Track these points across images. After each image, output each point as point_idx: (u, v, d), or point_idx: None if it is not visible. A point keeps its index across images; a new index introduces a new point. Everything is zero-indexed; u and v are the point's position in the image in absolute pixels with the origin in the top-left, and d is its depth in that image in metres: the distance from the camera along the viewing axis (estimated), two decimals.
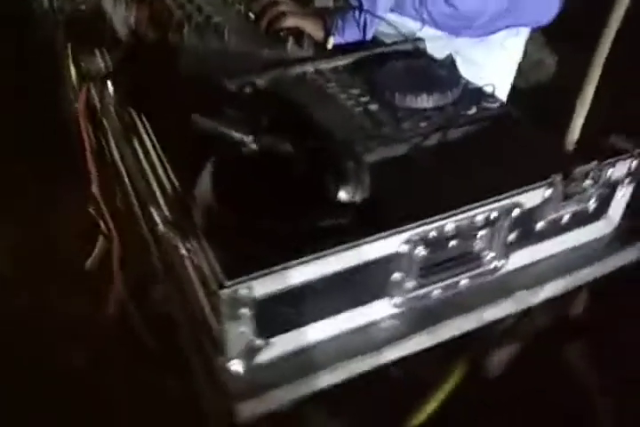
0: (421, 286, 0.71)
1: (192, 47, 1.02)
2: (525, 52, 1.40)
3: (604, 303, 0.96)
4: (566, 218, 0.77)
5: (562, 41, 1.70)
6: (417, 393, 0.92)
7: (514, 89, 1.37)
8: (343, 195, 0.67)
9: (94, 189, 1.15)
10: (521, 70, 1.40)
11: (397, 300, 0.70)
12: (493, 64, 1.30)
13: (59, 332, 1.50)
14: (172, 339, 0.77)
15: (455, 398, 0.91)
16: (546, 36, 1.76)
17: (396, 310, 0.70)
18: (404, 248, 0.66)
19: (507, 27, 1.25)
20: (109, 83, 0.96)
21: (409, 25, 1.17)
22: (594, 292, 0.87)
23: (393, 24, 1.08)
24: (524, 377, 1.02)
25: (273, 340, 0.63)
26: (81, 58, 1.06)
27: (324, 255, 0.61)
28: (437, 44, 1.06)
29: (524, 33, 1.31)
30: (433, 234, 0.67)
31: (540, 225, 0.75)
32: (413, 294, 0.70)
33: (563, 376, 1.14)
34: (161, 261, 0.82)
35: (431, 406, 0.90)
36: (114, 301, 1.25)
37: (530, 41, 1.40)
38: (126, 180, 1.01)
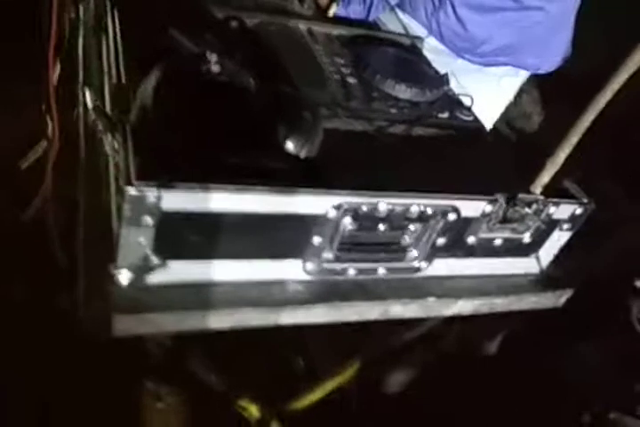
0: (338, 260, 0.69)
1: None
2: (517, 100, 1.44)
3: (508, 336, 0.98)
4: (498, 242, 0.77)
5: (553, 100, 1.77)
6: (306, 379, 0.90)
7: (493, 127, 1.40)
8: (290, 145, 0.66)
9: (51, 82, 1.09)
10: (507, 115, 1.43)
11: (310, 266, 0.68)
12: (484, 97, 1.32)
13: None
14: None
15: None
16: (541, 92, 1.83)
17: (305, 276, 0.68)
18: (333, 213, 0.64)
19: (507, 64, 1.27)
20: None
21: (415, 29, 1.18)
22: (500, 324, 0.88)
23: (399, 19, 1.08)
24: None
25: (170, 263, 0.60)
26: None
27: (247, 190, 0.59)
28: (436, 59, 1.07)
29: (523, 76, 1.34)
30: (364, 209, 0.66)
31: (470, 240, 0.75)
32: (328, 265, 0.69)
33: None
34: (85, 156, 0.78)
35: (316, 395, 0.89)
36: (38, 202, 1.19)
37: (524, 93, 1.44)
38: (81, 73, 0.96)
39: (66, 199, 1.30)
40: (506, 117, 1.45)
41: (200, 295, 0.62)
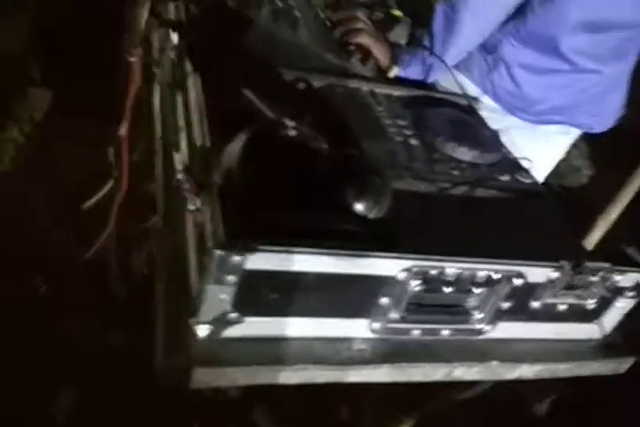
0: (403, 320, 0.70)
1: (264, 27, 1.04)
2: (566, 154, 1.45)
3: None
4: (562, 307, 0.77)
5: (604, 158, 1.78)
6: None
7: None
8: (360, 207, 0.69)
9: (122, 131, 1.16)
10: (557, 168, 1.44)
11: (376, 325, 0.69)
12: (535, 153, 1.34)
13: (31, 260, 1.48)
14: (143, 292, 0.76)
15: None
16: (590, 148, 1.84)
17: (371, 335, 0.70)
18: (401, 276, 0.66)
19: (561, 123, 1.29)
20: (176, 34, 0.98)
21: (470, 88, 1.21)
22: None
23: (456, 79, 1.12)
24: None
25: (248, 318, 0.62)
26: (157, 4, 1.09)
27: (323, 252, 0.62)
28: (490, 117, 1.10)
29: (575, 134, 1.36)
30: (432, 272, 0.67)
31: (535, 304, 0.76)
32: (393, 325, 0.70)
33: None
34: (163, 212, 0.82)
35: None
36: (101, 244, 1.25)
37: (573, 147, 1.46)
38: (158, 129, 1.02)
39: (128, 240, 1.36)
40: (555, 171, 1.46)
41: (272, 351, 0.64)
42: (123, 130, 1.22)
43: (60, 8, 1.91)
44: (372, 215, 0.70)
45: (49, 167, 1.69)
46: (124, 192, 1.28)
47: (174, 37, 0.91)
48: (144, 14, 1.03)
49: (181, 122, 0.85)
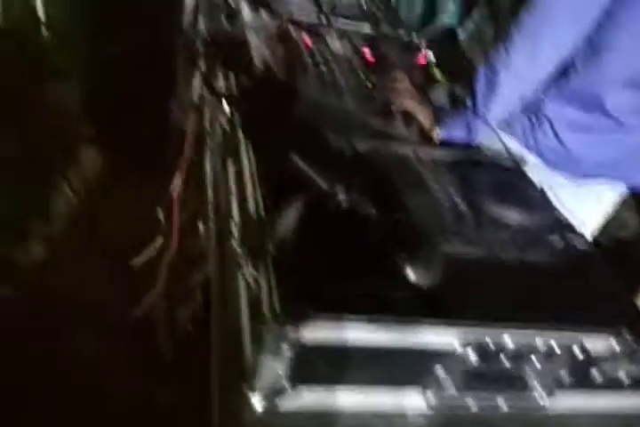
0: (459, 393, 0.68)
1: (309, 94, 1.08)
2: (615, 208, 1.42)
3: None
4: (623, 377, 0.74)
5: None
6: None
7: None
8: (412, 274, 0.69)
9: (173, 191, 1.21)
10: (605, 223, 1.41)
11: (432, 398, 0.68)
12: (584, 211, 1.32)
13: (79, 316, 1.51)
14: (189, 357, 0.77)
15: None
16: (637, 201, 1.81)
17: (427, 408, 0.68)
18: (457, 346, 0.65)
19: (607, 180, 1.28)
20: (227, 104, 1.03)
21: (513, 147, 1.22)
22: None
23: (500, 140, 1.13)
24: None
25: (302, 390, 0.62)
26: (209, 75, 1.15)
27: (379, 324, 0.62)
28: (535, 175, 1.10)
29: (622, 190, 1.34)
30: (489, 343, 0.66)
31: (595, 374, 0.73)
32: (449, 398, 0.68)
33: None
34: (216, 280, 0.84)
35: None
36: (148, 303, 1.27)
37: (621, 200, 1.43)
38: (209, 195, 1.05)
39: (177, 299, 1.38)
40: (603, 226, 1.43)
41: (326, 423, 0.63)
42: (173, 190, 1.27)
43: (114, 70, 2.03)
44: (424, 282, 0.70)
45: (99, 225, 1.75)
46: (174, 251, 1.31)
47: (225, 107, 0.96)
48: (195, 83, 1.09)
49: (233, 189, 0.88)
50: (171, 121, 1.54)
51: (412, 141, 1.04)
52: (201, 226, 1.26)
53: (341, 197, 0.75)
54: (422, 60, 1.37)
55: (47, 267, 1.66)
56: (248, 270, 0.69)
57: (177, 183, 1.27)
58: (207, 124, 1.10)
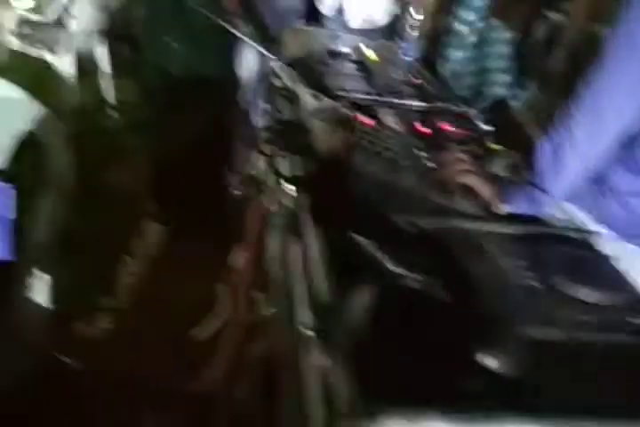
0: None
1: (371, 174, 1.09)
2: None
3: None
4: None
5: None
6: None
7: None
8: (488, 361, 0.66)
9: (234, 262, 1.23)
10: None
11: None
12: None
13: (137, 388, 1.51)
14: None
15: None
16: None
17: None
18: None
19: None
20: (292, 185, 1.06)
21: (581, 219, 1.18)
22: None
23: (566, 212, 1.10)
24: None
25: None
26: (273, 157, 1.19)
27: (456, 419, 0.59)
28: (606, 246, 1.06)
29: None
30: None
31: None
32: None
33: None
34: (282, 363, 0.83)
35: None
36: (207, 376, 1.26)
37: None
38: (272, 274, 1.06)
39: (236, 374, 1.37)
40: None
41: None
42: (234, 263, 1.30)
43: (178, 150, 2.15)
44: (501, 370, 0.67)
45: (160, 296, 1.79)
46: (234, 323, 1.32)
47: (290, 188, 0.98)
48: (260, 165, 1.14)
49: (298, 269, 0.89)
50: (232, 198, 1.60)
51: (475, 216, 1.03)
52: (263, 302, 1.27)
53: (410, 278, 0.74)
54: (476, 132, 1.39)
55: (108, 338, 1.69)
56: (318, 357, 0.67)
57: (239, 257, 1.29)
58: (271, 204, 1.13)
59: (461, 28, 1.71)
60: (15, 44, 2.62)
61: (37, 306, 1.17)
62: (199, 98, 2.03)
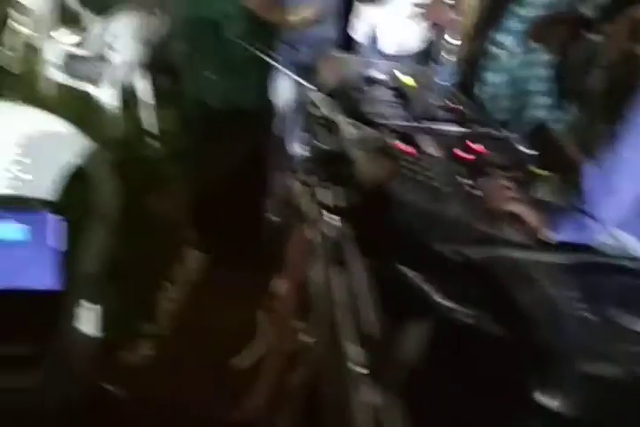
0: None
1: (415, 204, 1.08)
2: None
3: None
4: None
5: None
6: None
7: None
8: (545, 399, 0.64)
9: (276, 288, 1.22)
10: None
11: None
12: None
13: (178, 416, 1.50)
14: None
15: None
16: None
17: None
18: None
19: None
20: (335, 216, 1.05)
21: (633, 246, 1.14)
22: None
23: (617, 239, 1.07)
24: None
25: None
26: (316, 189, 1.20)
27: None
28: None
29: None
30: None
31: None
32: None
33: None
34: (328, 399, 0.81)
35: None
36: (249, 406, 1.25)
37: None
38: (315, 304, 1.05)
39: (277, 404, 1.36)
40: None
41: None
42: (275, 289, 1.29)
43: (217, 178, 2.18)
44: (558, 408, 0.65)
45: (200, 323, 1.80)
46: (275, 351, 1.31)
47: (333, 218, 0.98)
48: (302, 195, 1.14)
49: (343, 301, 0.88)
50: (270, 226, 1.61)
51: (523, 245, 1.01)
52: (304, 331, 1.26)
53: (459, 311, 0.72)
54: (518, 156, 1.37)
55: (150, 365, 1.69)
56: (368, 394, 0.66)
57: (280, 285, 1.29)
58: (313, 233, 1.13)
59: (499, 52, 1.70)
60: (60, 77, 2.74)
61: (85, 335, 1.19)
62: (237, 127, 2.07)
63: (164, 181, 2.41)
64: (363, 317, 0.79)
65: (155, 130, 2.78)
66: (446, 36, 1.99)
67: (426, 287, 0.78)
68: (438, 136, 1.38)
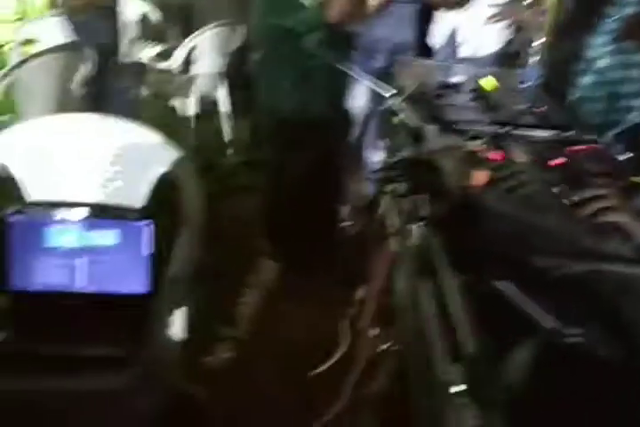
0: None
1: (508, 213, 1.03)
2: None
3: None
4: None
5: None
6: None
7: None
8: None
9: (360, 310, 1.21)
10: None
11: None
12: None
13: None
14: None
15: None
16: None
17: None
18: None
19: None
20: (420, 226, 1.03)
21: None
22: None
23: None
24: None
25: None
26: (400, 199, 1.17)
27: None
28: None
29: None
30: None
31: None
32: None
33: None
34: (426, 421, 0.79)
35: None
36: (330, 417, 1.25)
37: None
38: (399, 316, 1.03)
39: (359, 415, 1.34)
40: None
41: None
42: (356, 298, 1.28)
43: (291, 186, 2.21)
44: None
45: (279, 332, 1.81)
46: (358, 362, 1.30)
47: (419, 229, 0.96)
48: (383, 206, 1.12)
49: (432, 315, 0.85)
50: (348, 236, 1.60)
51: (629, 259, 0.94)
52: (385, 341, 1.24)
53: (568, 333, 0.68)
54: (613, 162, 1.29)
55: (228, 373, 1.72)
56: (468, 417, 0.63)
57: (361, 294, 1.28)
58: (397, 244, 1.11)
59: (589, 53, 1.62)
60: (147, 90, 2.87)
61: (172, 338, 1.23)
62: (312, 136, 2.08)
63: (240, 190, 2.47)
64: (457, 333, 0.76)
65: (232, 139, 2.85)
66: (529, 37, 1.91)
67: (524, 304, 0.74)
68: (525, 142, 1.32)
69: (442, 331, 0.81)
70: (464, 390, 0.65)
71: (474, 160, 1.07)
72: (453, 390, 0.66)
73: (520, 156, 1.24)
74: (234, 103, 2.88)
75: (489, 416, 0.62)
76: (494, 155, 1.18)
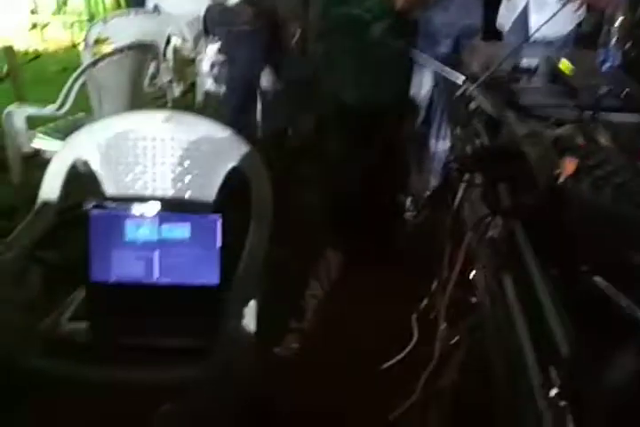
0: None
1: (595, 202, 0.96)
2: None
3: None
4: None
5: None
6: None
7: None
8: None
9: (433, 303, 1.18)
10: None
11: None
12: None
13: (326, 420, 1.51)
14: None
15: None
16: None
17: None
18: None
19: None
20: (509, 218, 0.97)
21: None
22: None
23: None
24: None
25: None
26: (477, 189, 1.13)
27: None
28: None
29: None
30: None
31: None
32: None
33: None
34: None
35: None
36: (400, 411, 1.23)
37: None
38: (479, 310, 1.00)
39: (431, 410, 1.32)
40: None
41: None
42: (428, 291, 1.25)
43: (351, 177, 2.18)
44: None
45: (347, 326, 1.80)
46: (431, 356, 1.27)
47: (504, 222, 0.92)
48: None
49: (518, 311, 0.81)
50: (414, 227, 1.56)
51: None
52: (459, 335, 1.20)
53: None
54: None
55: (294, 366, 1.72)
56: (564, 422, 0.59)
57: (434, 287, 1.25)
58: (476, 236, 1.06)
59: None
60: (209, 84, 2.91)
61: (244, 329, 1.23)
62: (378, 125, 2.05)
63: (303, 181, 2.46)
64: (550, 331, 0.72)
65: (293, 130, 2.85)
66: (605, 16, 1.79)
67: (623, 302, 0.69)
68: (611, 126, 1.23)
69: (531, 329, 0.77)
70: (562, 393, 0.61)
71: (561, 147, 1.01)
72: (552, 393, 0.62)
73: (606, 141, 1.16)
74: (295, 94, 2.87)
75: (589, 421, 0.58)
76: (579, 141, 1.11)
